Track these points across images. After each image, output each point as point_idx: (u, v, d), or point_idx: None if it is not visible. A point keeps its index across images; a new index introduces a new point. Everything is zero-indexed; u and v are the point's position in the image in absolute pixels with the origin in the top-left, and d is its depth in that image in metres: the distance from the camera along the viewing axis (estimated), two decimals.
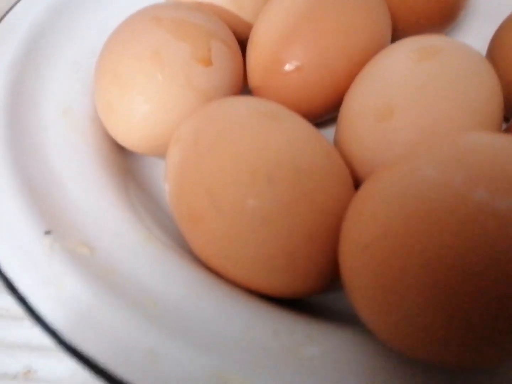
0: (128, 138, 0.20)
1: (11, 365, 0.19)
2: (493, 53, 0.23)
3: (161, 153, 0.19)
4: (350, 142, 0.18)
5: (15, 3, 0.23)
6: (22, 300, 0.14)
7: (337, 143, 0.19)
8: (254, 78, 0.22)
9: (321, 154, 0.16)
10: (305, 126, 0.17)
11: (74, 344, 0.13)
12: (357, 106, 0.19)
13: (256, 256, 0.15)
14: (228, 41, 0.21)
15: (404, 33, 0.26)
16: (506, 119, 0.23)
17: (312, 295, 0.17)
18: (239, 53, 0.22)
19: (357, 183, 0.17)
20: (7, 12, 0.23)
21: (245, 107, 0.17)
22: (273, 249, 0.15)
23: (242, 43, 0.23)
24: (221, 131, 0.16)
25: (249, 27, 0.23)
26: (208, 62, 0.20)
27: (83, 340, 0.13)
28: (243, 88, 0.22)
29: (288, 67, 0.20)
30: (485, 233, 0.11)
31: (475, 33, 0.25)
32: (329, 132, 0.21)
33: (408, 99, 0.17)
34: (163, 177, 0.18)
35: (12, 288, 0.14)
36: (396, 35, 0.26)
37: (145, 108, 0.19)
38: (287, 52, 0.20)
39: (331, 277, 0.16)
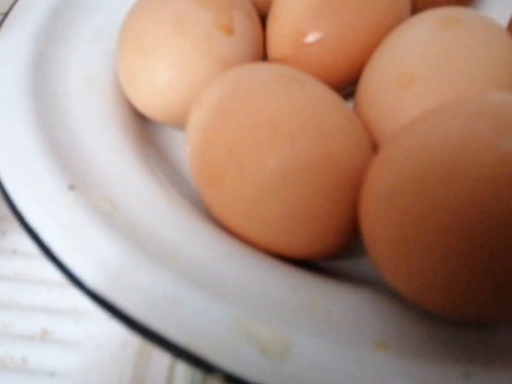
0: (149, 105, 0.20)
1: (28, 327, 0.19)
2: None
3: (181, 121, 0.20)
4: (370, 110, 0.19)
5: None
6: (47, 251, 0.15)
7: (356, 113, 0.20)
8: (275, 50, 0.22)
9: (343, 117, 0.16)
10: (328, 91, 0.17)
11: (97, 291, 0.14)
12: (378, 75, 0.19)
13: (277, 215, 0.16)
14: (250, 12, 0.22)
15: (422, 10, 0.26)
16: None
17: (331, 257, 0.17)
18: (260, 24, 0.22)
19: (375, 151, 0.18)
20: None
21: (268, 71, 0.17)
22: (294, 208, 0.15)
23: (263, 17, 0.23)
24: (244, 93, 0.16)
25: (268, 0, 0.24)
26: (230, 31, 0.20)
27: (106, 287, 0.14)
28: (263, 60, 0.23)
29: (309, 38, 0.21)
30: (510, 181, 0.11)
31: (495, 11, 0.25)
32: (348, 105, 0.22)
33: (429, 67, 0.18)
34: (184, 140, 0.18)
35: (37, 240, 0.15)
36: (415, 12, 0.26)
37: (167, 75, 0.19)
38: (308, 24, 0.21)
39: (350, 237, 0.16)
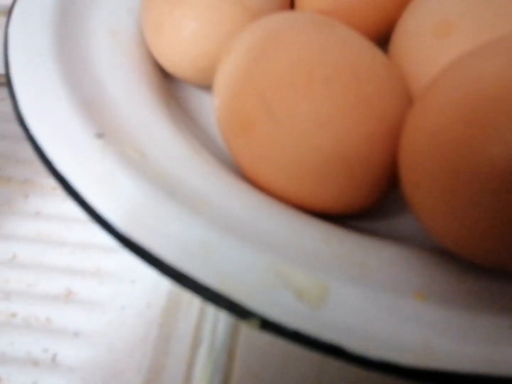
0: (175, 59, 0.20)
1: (52, 287, 0.19)
2: None
3: (207, 78, 0.20)
4: (406, 59, 0.18)
5: None
6: (76, 196, 0.14)
7: (394, 60, 0.19)
8: (309, 3, 0.22)
9: (379, 63, 0.16)
10: (362, 38, 0.17)
11: (129, 236, 0.13)
12: (413, 24, 0.18)
13: (311, 164, 0.15)
14: None
15: None
16: None
17: (366, 211, 0.17)
18: None
19: (412, 101, 0.17)
20: None
21: (300, 18, 0.17)
22: (329, 154, 0.15)
23: None
24: (275, 38, 0.16)
25: None
26: None
27: (137, 232, 0.13)
28: None
29: None
30: None
31: None
32: None
33: (467, 14, 0.17)
34: (213, 92, 0.18)
35: (67, 186, 0.15)
36: None
37: (194, 25, 0.19)
38: None
39: (388, 186, 0.16)
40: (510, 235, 0.12)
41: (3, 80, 0.24)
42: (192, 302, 0.19)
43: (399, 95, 0.16)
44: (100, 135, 0.16)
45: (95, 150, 0.15)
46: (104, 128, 0.16)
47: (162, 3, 0.19)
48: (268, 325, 0.12)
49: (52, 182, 0.22)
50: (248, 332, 0.17)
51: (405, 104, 0.16)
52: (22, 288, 0.20)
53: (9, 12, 0.20)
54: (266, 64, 0.16)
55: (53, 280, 0.20)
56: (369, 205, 0.16)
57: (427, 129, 0.13)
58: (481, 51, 0.13)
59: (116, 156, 0.15)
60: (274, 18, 0.17)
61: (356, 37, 0.17)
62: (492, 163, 0.11)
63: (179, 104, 0.21)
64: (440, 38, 0.17)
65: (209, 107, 0.21)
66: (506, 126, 0.11)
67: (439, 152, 0.12)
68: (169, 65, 0.21)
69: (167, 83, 0.22)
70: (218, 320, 0.18)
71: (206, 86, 0.21)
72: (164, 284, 0.19)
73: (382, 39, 0.21)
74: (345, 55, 0.15)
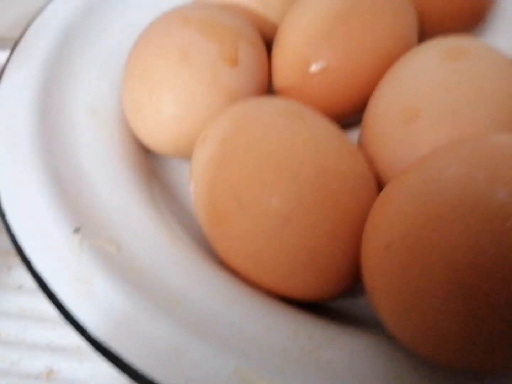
0: (155, 138, 0.21)
1: (34, 365, 0.20)
2: None
3: (187, 154, 0.20)
4: (375, 144, 0.19)
5: (45, 6, 0.24)
6: (52, 296, 0.15)
7: (361, 145, 0.20)
8: (280, 79, 0.23)
9: (346, 155, 0.17)
10: (330, 127, 0.18)
11: (100, 340, 0.14)
12: (383, 108, 0.19)
13: (279, 256, 0.16)
14: (255, 41, 0.22)
15: (430, 34, 0.27)
16: None
17: (333, 298, 0.17)
18: (265, 53, 0.23)
19: (381, 185, 0.18)
20: (38, 14, 0.24)
21: (271, 108, 0.18)
22: (297, 248, 0.16)
23: (268, 44, 0.24)
24: (247, 131, 0.17)
25: (275, 27, 0.24)
26: (235, 62, 0.21)
27: (109, 336, 0.14)
28: (268, 88, 0.23)
29: (314, 67, 0.21)
30: (507, 232, 0.12)
31: (503, 33, 0.26)
32: (354, 134, 0.22)
33: (434, 101, 0.18)
34: (188, 176, 0.19)
35: (43, 286, 0.15)
36: (422, 36, 0.27)
37: (172, 108, 0.20)
38: (314, 53, 0.21)
39: (353, 279, 0.17)
40: (467, 338, 0.13)
41: None
42: None
43: (366, 187, 0.17)
44: (76, 229, 0.17)
45: (71, 247, 0.16)
46: (81, 220, 0.17)
47: (140, 86, 0.20)
48: None
49: None
50: None
51: (373, 196, 0.16)
52: (5, 367, 0.20)
53: None
54: (238, 158, 0.17)
55: (35, 357, 0.20)
56: (338, 294, 0.17)
57: (382, 240, 0.13)
58: (434, 159, 0.14)
59: (92, 253, 0.16)
60: (247, 108, 0.18)
61: (324, 127, 0.18)
62: (437, 274, 0.12)
63: (162, 180, 0.22)
64: (408, 124, 0.18)
65: None
66: (448, 244, 0.12)
67: (391, 265, 0.13)
68: (149, 144, 0.21)
69: (150, 158, 0.23)
70: None
71: (188, 160, 0.22)
72: None
73: (357, 111, 0.22)
74: (312, 149, 0.16)
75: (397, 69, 0.20)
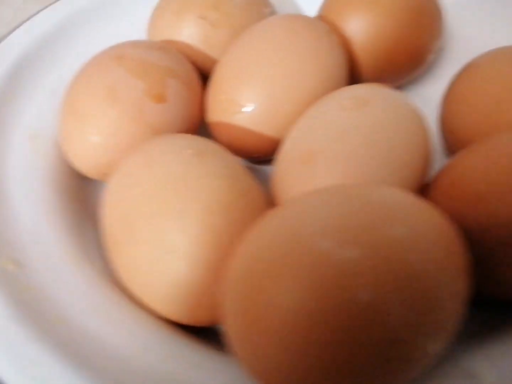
0: (82, 165, 0.23)
1: None
2: (444, 108, 0.26)
3: None
4: (280, 183, 0.21)
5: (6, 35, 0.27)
6: None
7: (272, 184, 0.22)
8: (210, 115, 0.24)
9: (235, 193, 0.18)
10: (229, 166, 0.19)
11: None
12: (287, 149, 0.21)
13: (163, 285, 0.18)
14: (187, 79, 0.24)
15: (369, 78, 0.28)
16: None
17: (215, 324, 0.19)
18: (199, 89, 0.25)
19: None
20: None
21: (176, 145, 0.19)
22: (176, 278, 0.17)
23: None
24: (147, 165, 0.19)
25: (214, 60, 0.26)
26: (161, 99, 0.22)
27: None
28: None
29: (238, 108, 0.23)
30: (326, 281, 0.13)
31: (447, 77, 0.27)
32: None
33: (329, 146, 0.19)
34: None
35: None
36: (361, 79, 0.28)
37: (96, 140, 0.22)
38: (238, 94, 0.23)
39: None
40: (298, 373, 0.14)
41: None
42: None
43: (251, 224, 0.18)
44: None
45: None
46: None
47: (70, 117, 0.22)
48: None
49: None
50: None
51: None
52: None
53: None
54: (132, 191, 0.18)
55: None
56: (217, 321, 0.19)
57: (230, 276, 0.15)
58: (277, 213, 0.15)
59: None
60: (155, 144, 0.20)
61: (223, 165, 0.19)
62: (269, 327, 0.14)
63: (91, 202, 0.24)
64: (305, 165, 0.20)
65: None
66: (274, 293, 0.14)
67: (233, 305, 0.15)
68: (79, 169, 0.23)
69: (82, 180, 0.25)
70: None
71: None
72: None
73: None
74: (202, 189, 0.18)
75: (306, 115, 0.21)
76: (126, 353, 0.17)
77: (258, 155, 0.25)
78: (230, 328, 0.15)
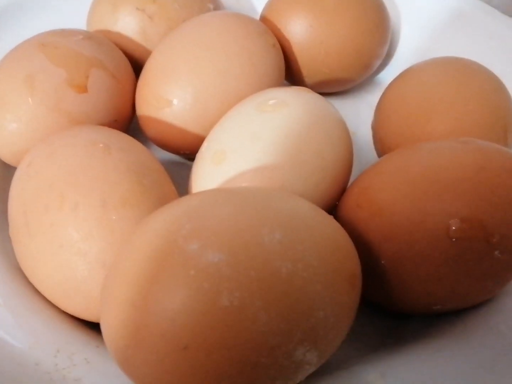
0: (1, 152, 0.23)
1: None
2: (375, 116, 0.26)
3: None
4: (194, 182, 0.21)
5: None
6: None
7: (189, 183, 0.22)
8: (139, 108, 0.24)
9: (136, 188, 0.18)
10: (138, 159, 0.19)
11: None
12: (204, 148, 0.21)
13: (56, 278, 0.18)
14: (116, 71, 0.24)
15: (311, 81, 0.28)
16: None
17: None
18: (130, 82, 0.25)
19: None
20: None
21: (78, 139, 0.19)
22: (67, 273, 0.17)
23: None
24: (46, 155, 0.19)
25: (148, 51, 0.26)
26: (83, 89, 0.22)
27: None
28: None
29: (165, 103, 0.23)
30: (191, 285, 0.13)
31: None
32: None
33: (238, 147, 0.19)
34: None
35: None
36: (301, 81, 0.28)
37: (14, 127, 0.22)
38: (165, 89, 0.23)
39: None
40: None
41: None
42: None
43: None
44: None
45: None
46: None
47: None
48: None
49: None
50: None
51: None
52: None
53: None
54: (32, 182, 0.18)
55: None
56: None
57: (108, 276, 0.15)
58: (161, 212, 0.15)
59: None
60: (61, 136, 0.20)
61: (130, 160, 0.19)
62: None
63: None
64: (216, 165, 0.20)
65: None
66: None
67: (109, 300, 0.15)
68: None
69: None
70: None
71: None
72: None
73: None
74: (100, 182, 0.18)
75: (225, 115, 0.21)
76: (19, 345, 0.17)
77: (185, 152, 0.25)
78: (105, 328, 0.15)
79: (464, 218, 0.17)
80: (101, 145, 0.19)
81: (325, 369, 0.17)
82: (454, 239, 0.17)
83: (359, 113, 0.30)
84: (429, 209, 0.18)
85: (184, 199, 0.16)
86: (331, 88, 0.29)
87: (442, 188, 0.18)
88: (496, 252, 0.17)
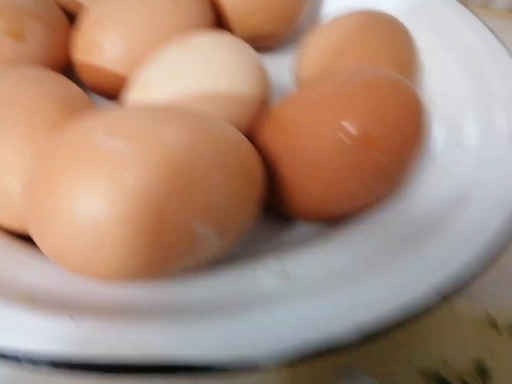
0: None
1: None
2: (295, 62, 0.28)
3: None
4: None
5: None
6: None
7: None
8: (74, 54, 0.26)
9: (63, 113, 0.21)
10: (65, 91, 0.22)
11: None
12: (129, 87, 0.24)
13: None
14: (51, 21, 0.26)
15: (239, 31, 0.31)
16: None
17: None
18: (64, 31, 0.27)
19: None
20: None
21: (13, 73, 0.22)
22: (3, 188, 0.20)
23: None
24: None
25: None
26: (19, 37, 0.24)
27: None
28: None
29: (95, 48, 0.25)
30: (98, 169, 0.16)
31: None
32: None
33: (162, 83, 0.22)
34: None
35: None
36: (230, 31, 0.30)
37: None
38: (95, 36, 0.25)
39: None
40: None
41: None
42: None
43: None
44: None
45: None
46: None
47: None
48: None
49: None
50: None
51: None
52: None
53: None
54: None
55: None
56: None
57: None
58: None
59: None
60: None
61: (62, 87, 0.21)
62: None
63: None
64: (139, 96, 0.22)
65: None
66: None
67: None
68: None
69: None
70: None
71: None
72: None
73: None
74: (31, 108, 0.20)
75: (151, 57, 0.24)
76: None
77: (117, 94, 0.27)
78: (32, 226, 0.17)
79: (355, 129, 0.19)
80: (34, 78, 0.21)
81: None
82: (345, 148, 0.20)
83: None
84: (324, 124, 0.20)
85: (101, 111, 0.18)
86: (260, 38, 0.31)
87: (336, 105, 0.20)
88: (379, 156, 0.20)
